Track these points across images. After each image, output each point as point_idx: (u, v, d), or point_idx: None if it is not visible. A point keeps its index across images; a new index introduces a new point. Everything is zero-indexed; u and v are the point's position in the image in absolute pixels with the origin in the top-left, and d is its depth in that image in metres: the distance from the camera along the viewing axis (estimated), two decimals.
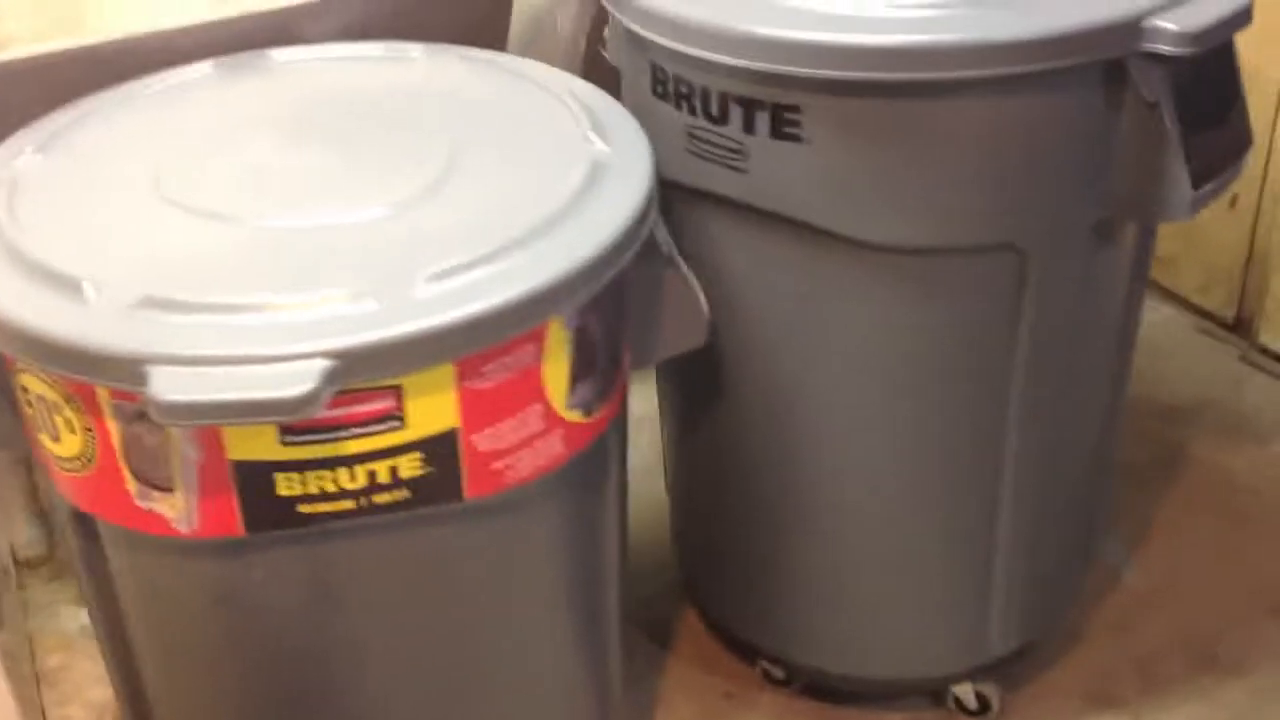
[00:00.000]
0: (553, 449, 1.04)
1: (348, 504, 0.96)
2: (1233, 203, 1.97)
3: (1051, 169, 1.10)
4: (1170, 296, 2.15)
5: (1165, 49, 1.02)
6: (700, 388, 1.34)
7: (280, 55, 1.27)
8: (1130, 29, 1.03)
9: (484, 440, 0.99)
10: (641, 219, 1.05)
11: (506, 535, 1.07)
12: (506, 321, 0.94)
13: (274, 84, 1.23)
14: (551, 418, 1.03)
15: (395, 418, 0.94)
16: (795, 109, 1.09)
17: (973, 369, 1.21)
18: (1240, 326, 2.04)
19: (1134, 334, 1.33)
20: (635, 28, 1.15)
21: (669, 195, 1.24)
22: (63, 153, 1.12)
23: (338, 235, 1.00)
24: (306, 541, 0.98)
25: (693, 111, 1.15)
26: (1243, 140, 1.15)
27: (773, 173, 1.13)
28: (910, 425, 1.24)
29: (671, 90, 1.16)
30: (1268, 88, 1.85)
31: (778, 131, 1.10)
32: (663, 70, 1.16)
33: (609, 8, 1.21)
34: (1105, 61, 1.05)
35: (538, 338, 0.98)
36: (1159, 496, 1.75)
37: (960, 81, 1.04)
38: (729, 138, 1.13)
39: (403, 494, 0.97)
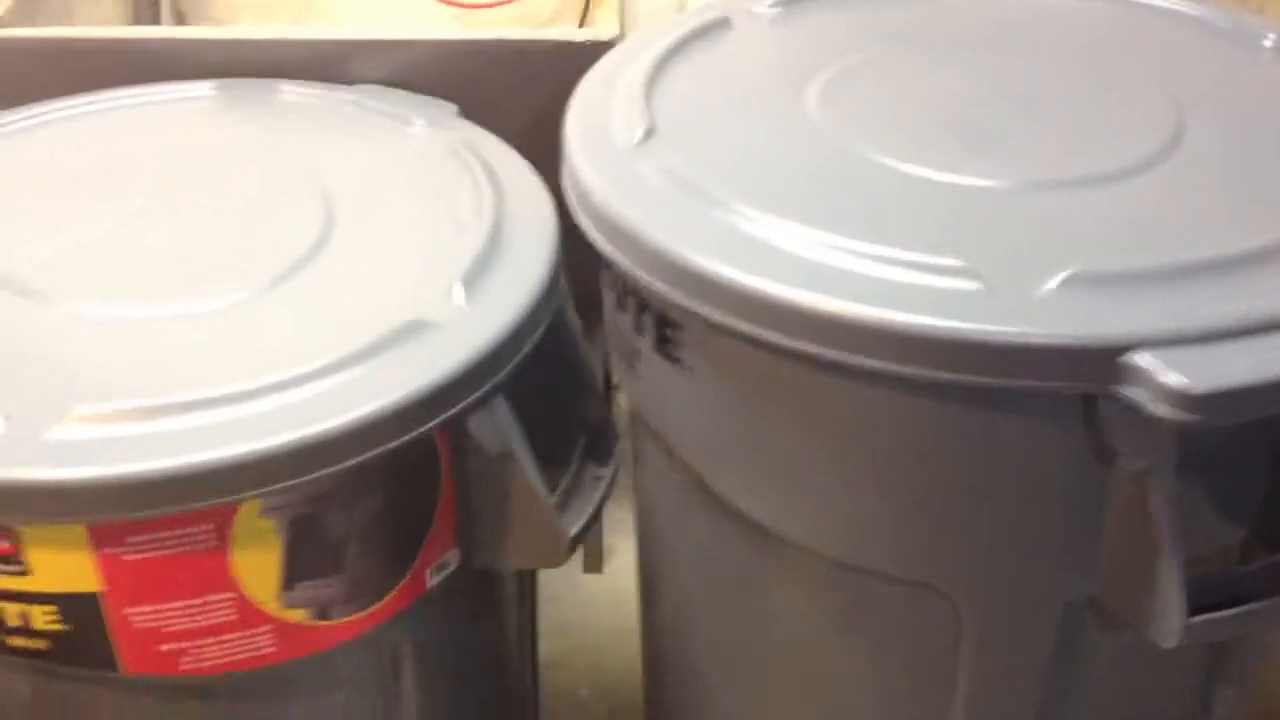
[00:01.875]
0: (256, 647, 0.84)
1: None
2: None
3: (993, 510, 0.76)
4: None
5: (1148, 404, 0.65)
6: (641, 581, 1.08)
7: (289, 91, 1.12)
8: (1099, 361, 0.66)
9: (141, 617, 0.81)
10: (430, 407, 0.81)
11: None
12: (150, 494, 0.76)
13: (233, 116, 1.09)
14: (251, 612, 0.83)
15: (16, 562, 0.79)
16: (676, 326, 0.81)
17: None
18: None
19: None
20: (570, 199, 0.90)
21: None
22: None
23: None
24: None
25: (611, 285, 0.90)
26: None
27: (657, 388, 0.86)
28: None
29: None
30: None
31: (660, 346, 0.83)
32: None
33: None
34: (1083, 395, 0.69)
35: (216, 519, 0.79)
36: None
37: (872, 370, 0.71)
38: (623, 329, 0.87)
39: (42, 644, 0.82)
